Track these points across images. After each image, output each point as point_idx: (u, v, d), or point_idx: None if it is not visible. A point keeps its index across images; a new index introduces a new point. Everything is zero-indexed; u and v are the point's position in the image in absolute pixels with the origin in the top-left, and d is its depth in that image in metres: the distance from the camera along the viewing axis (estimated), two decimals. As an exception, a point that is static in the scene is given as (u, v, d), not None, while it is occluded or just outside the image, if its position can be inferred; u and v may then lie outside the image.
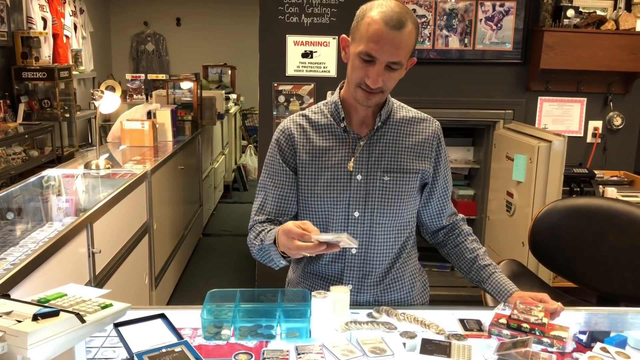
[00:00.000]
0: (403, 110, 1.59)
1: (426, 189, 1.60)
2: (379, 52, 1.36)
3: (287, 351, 1.27)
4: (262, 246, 1.48)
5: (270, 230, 1.48)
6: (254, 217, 1.59)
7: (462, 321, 1.45)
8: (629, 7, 3.45)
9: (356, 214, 1.52)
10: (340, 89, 1.57)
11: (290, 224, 1.33)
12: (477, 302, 2.08)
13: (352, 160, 1.51)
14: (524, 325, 1.35)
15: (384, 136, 1.54)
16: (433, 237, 1.73)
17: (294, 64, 3.45)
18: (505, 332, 1.36)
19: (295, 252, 1.34)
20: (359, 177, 1.51)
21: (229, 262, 4.53)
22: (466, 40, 3.47)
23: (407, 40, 1.38)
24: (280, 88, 3.48)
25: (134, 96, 5.87)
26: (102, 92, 3.07)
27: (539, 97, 3.58)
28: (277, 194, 1.57)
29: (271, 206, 1.57)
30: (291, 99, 3.49)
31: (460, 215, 1.73)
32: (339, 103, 1.54)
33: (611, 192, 3.26)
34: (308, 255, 1.35)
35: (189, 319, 1.40)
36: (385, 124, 1.54)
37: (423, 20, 3.44)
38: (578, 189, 3.28)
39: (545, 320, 1.36)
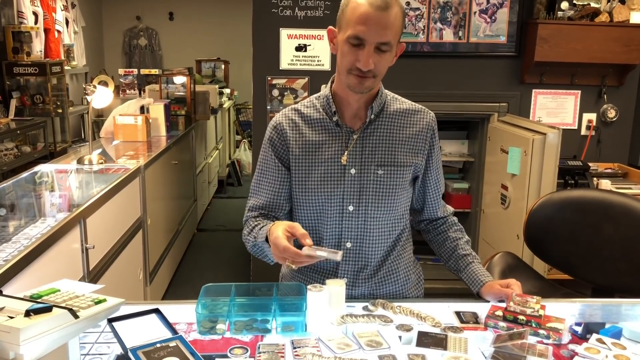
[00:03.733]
0: (397, 102, 1.58)
1: (419, 180, 1.60)
2: (367, 33, 1.36)
3: (283, 345, 1.27)
4: (256, 243, 1.48)
5: (262, 226, 1.48)
6: (247, 213, 1.59)
7: (458, 314, 1.45)
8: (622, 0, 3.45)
9: (350, 207, 1.51)
10: (332, 82, 1.56)
11: (281, 234, 1.31)
12: (473, 294, 2.08)
13: (346, 154, 1.51)
14: (520, 317, 1.35)
15: (378, 129, 1.53)
16: (419, 224, 1.73)
17: (287, 57, 3.43)
18: (502, 324, 1.36)
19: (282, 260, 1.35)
20: (352, 170, 1.51)
21: (224, 257, 4.53)
22: (460, 33, 3.47)
23: (394, 20, 1.38)
24: (274, 82, 3.46)
25: (127, 91, 5.82)
26: (95, 87, 3.05)
27: (533, 90, 3.58)
28: (270, 190, 1.56)
29: (264, 202, 1.56)
30: (285, 93, 3.47)
31: (450, 207, 1.73)
32: (331, 97, 1.53)
33: (605, 184, 3.27)
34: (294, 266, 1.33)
35: (184, 313, 1.39)
36: (378, 116, 1.53)
37: (417, 12, 3.42)
38: (572, 182, 3.28)
39: (541, 312, 1.36)
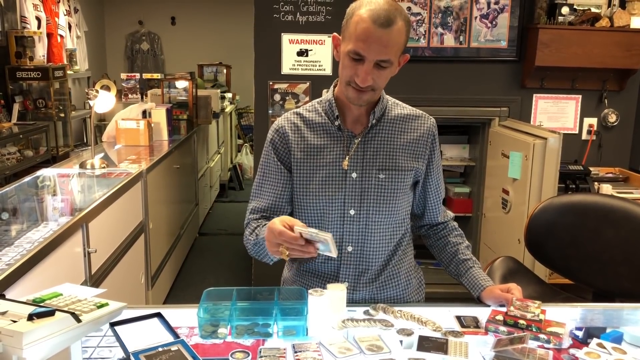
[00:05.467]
0: (398, 107, 1.59)
1: (419, 185, 1.61)
2: (367, 50, 1.36)
3: (284, 349, 1.27)
4: (257, 241, 1.49)
5: (263, 225, 1.49)
6: (249, 216, 1.59)
7: (458, 318, 1.45)
8: (623, 4, 3.46)
9: (352, 211, 1.52)
10: (335, 87, 1.57)
11: (277, 221, 1.33)
12: (473, 299, 2.08)
13: (347, 158, 1.51)
14: (521, 321, 1.35)
15: (379, 134, 1.54)
16: (419, 229, 1.74)
17: (289, 62, 3.45)
18: (502, 328, 1.36)
19: (275, 250, 1.36)
20: (354, 175, 1.51)
21: (225, 262, 4.53)
22: (461, 38, 3.48)
23: (397, 37, 1.37)
24: (276, 86, 3.48)
25: (129, 95, 5.85)
26: (97, 91, 3.06)
27: (534, 95, 3.59)
28: (272, 192, 1.57)
29: (266, 205, 1.57)
30: (287, 98, 3.48)
31: (450, 212, 1.73)
32: (333, 101, 1.54)
33: (606, 188, 3.27)
34: (286, 256, 1.33)
35: (186, 317, 1.40)
36: (379, 121, 1.54)
37: (418, 18, 3.44)
38: (573, 186, 3.29)
39: (542, 316, 1.36)
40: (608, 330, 1.38)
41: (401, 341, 1.32)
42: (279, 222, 1.33)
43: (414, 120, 1.57)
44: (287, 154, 1.55)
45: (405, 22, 1.39)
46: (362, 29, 1.35)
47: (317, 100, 1.61)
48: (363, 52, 1.36)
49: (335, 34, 1.49)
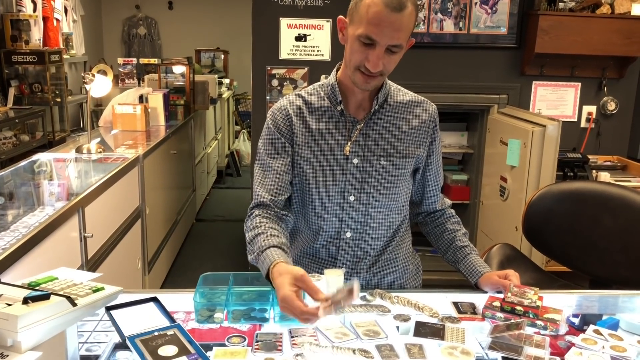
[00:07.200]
0: (400, 93, 1.57)
1: (419, 172, 1.60)
2: (379, 35, 1.33)
3: (281, 334, 1.27)
4: (256, 261, 1.38)
5: (265, 248, 1.35)
6: (255, 196, 1.51)
7: (455, 304, 1.45)
8: (624, -9, 3.43)
9: (352, 197, 1.51)
10: (337, 70, 1.54)
11: (289, 291, 1.17)
12: (470, 286, 2.08)
13: (349, 144, 1.50)
14: (518, 308, 1.35)
15: (381, 120, 1.52)
16: (417, 216, 1.73)
17: (287, 47, 3.42)
18: (499, 314, 1.36)
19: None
20: (355, 161, 1.50)
21: (222, 248, 4.53)
22: (461, 24, 3.45)
23: (408, 22, 1.35)
24: (274, 72, 3.45)
25: (126, 80, 5.81)
26: (94, 75, 3.03)
27: (534, 82, 3.57)
28: (278, 169, 1.50)
29: (272, 182, 1.49)
30: (285, 83, 3.46)
31: (447, 200, 1.72)
32: (336, 85, 1.51)
33: (604, 176, 3.27)
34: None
35: (182, 302, 1.39)
36: (382, 107, 1.52)
37: (418, 3, 3.40)
38: (571, 174, 3.28)
39: (539, 303, 1.36)
40: (604, 317, 1.38)
41: (398, 327, 1.32)
42: (291, 294, 1.17)
43: (417, 107, 1.56)
44: (290, 135, 1.52)
45: (415, 6, 1.37)
46: (375, 13, 1.32)
47: (319, 83, 1.58)
48: (375, 37, 1.33)
49: (340, 16, 1.45)
